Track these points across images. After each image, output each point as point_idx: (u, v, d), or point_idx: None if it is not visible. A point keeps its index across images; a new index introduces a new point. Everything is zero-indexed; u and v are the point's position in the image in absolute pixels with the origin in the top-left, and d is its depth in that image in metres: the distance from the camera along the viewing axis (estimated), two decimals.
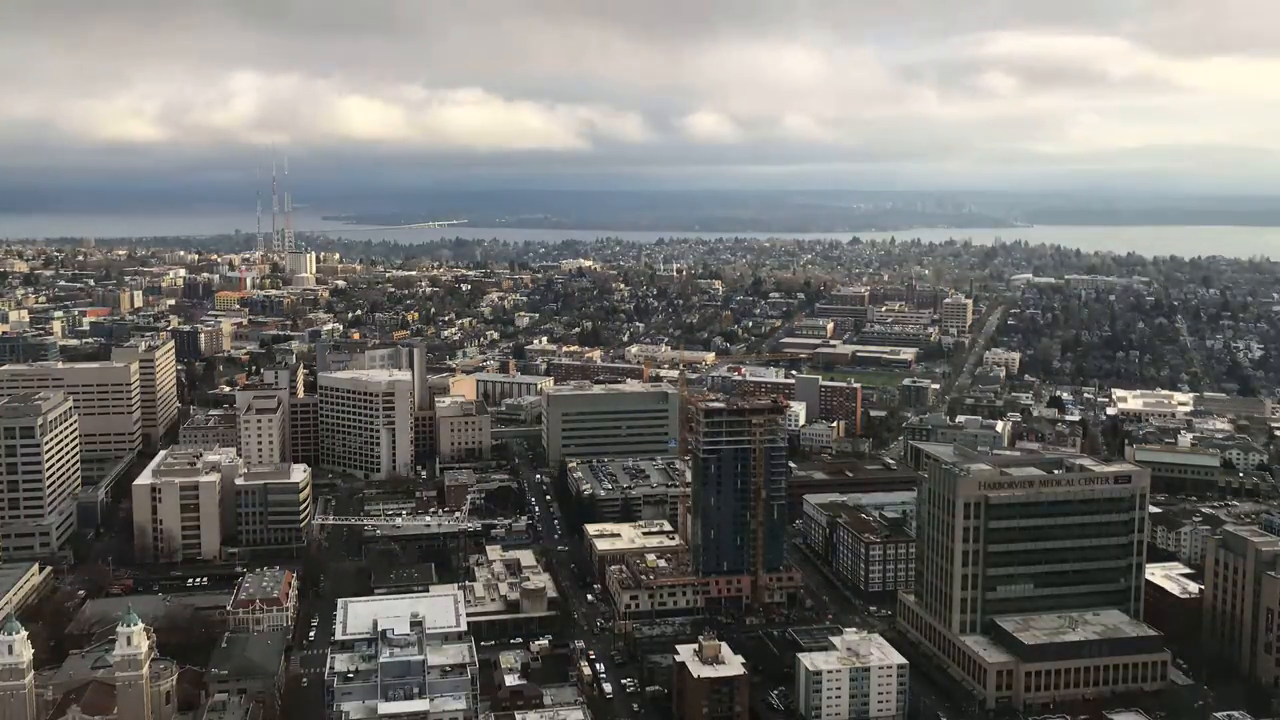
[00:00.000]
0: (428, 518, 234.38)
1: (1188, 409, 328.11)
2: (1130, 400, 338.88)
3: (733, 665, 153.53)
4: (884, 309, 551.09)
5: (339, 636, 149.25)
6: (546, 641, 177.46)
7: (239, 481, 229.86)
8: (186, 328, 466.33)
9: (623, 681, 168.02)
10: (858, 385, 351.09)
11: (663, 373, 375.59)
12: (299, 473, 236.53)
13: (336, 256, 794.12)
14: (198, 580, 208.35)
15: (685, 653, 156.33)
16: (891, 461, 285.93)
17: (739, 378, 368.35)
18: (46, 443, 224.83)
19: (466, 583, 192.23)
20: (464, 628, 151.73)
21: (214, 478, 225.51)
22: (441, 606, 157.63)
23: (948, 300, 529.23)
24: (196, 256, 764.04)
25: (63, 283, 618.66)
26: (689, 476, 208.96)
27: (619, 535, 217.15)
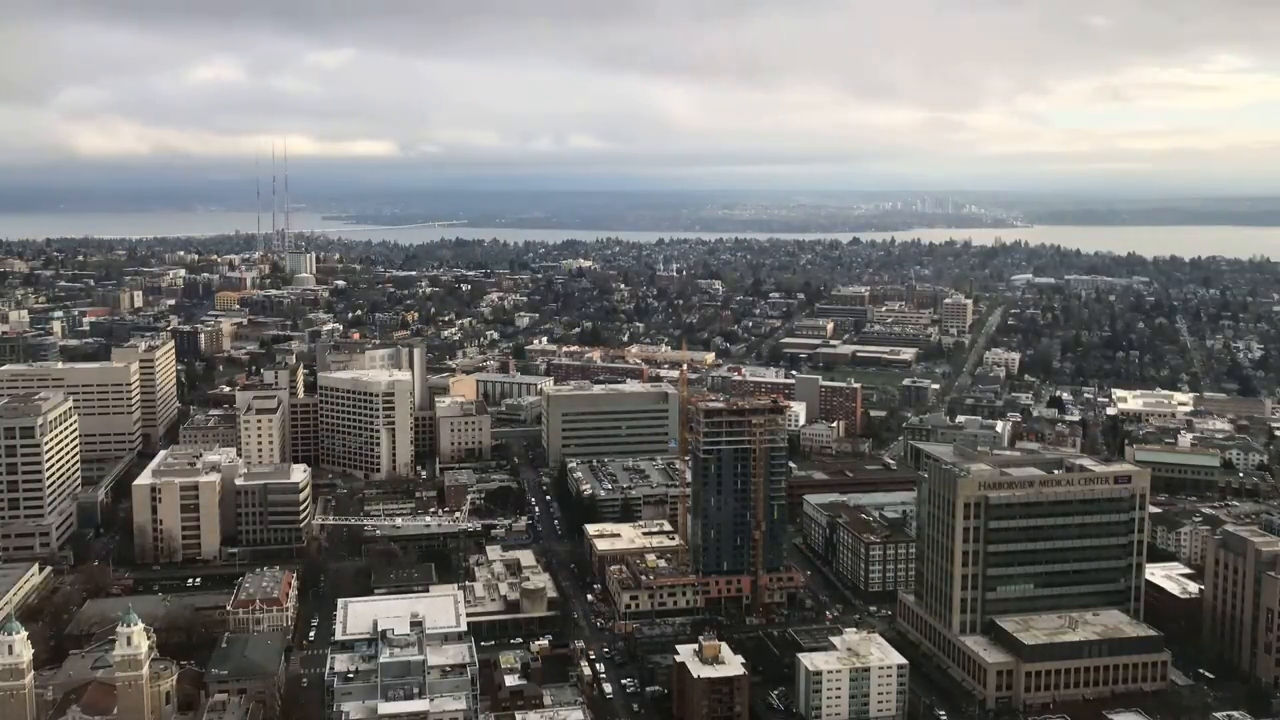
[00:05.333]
0: (428, 518, 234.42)
1: (1188, 409, 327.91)
2: (1130, 400, 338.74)
3: (733, 665, 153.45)
4: (884, 309, 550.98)
5: (339, 636, 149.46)
6: (546, 641, 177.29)
7: (239, 481, 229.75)
8: (186, 328, 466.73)
9: (623, 681, 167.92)
10: (858, 385, 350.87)
11: (663, 373, 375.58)
12: (299, 473, 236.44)
13: (336, 257, 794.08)
14: (197, 580, 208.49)
15: (685, 653, 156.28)
16: (891, 461, 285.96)
17: (739, 378, 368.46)
18: (46, 443, 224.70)
19: (466, 583, 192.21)
20: (464, 628, 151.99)
21: (214, 478, 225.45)
22: (441, 606, 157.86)
23: (948, 300, 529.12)
24: (196, 256, 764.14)
25: (63, 283, 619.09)
26: (689, 476, 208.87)
27: (619, 535, 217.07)
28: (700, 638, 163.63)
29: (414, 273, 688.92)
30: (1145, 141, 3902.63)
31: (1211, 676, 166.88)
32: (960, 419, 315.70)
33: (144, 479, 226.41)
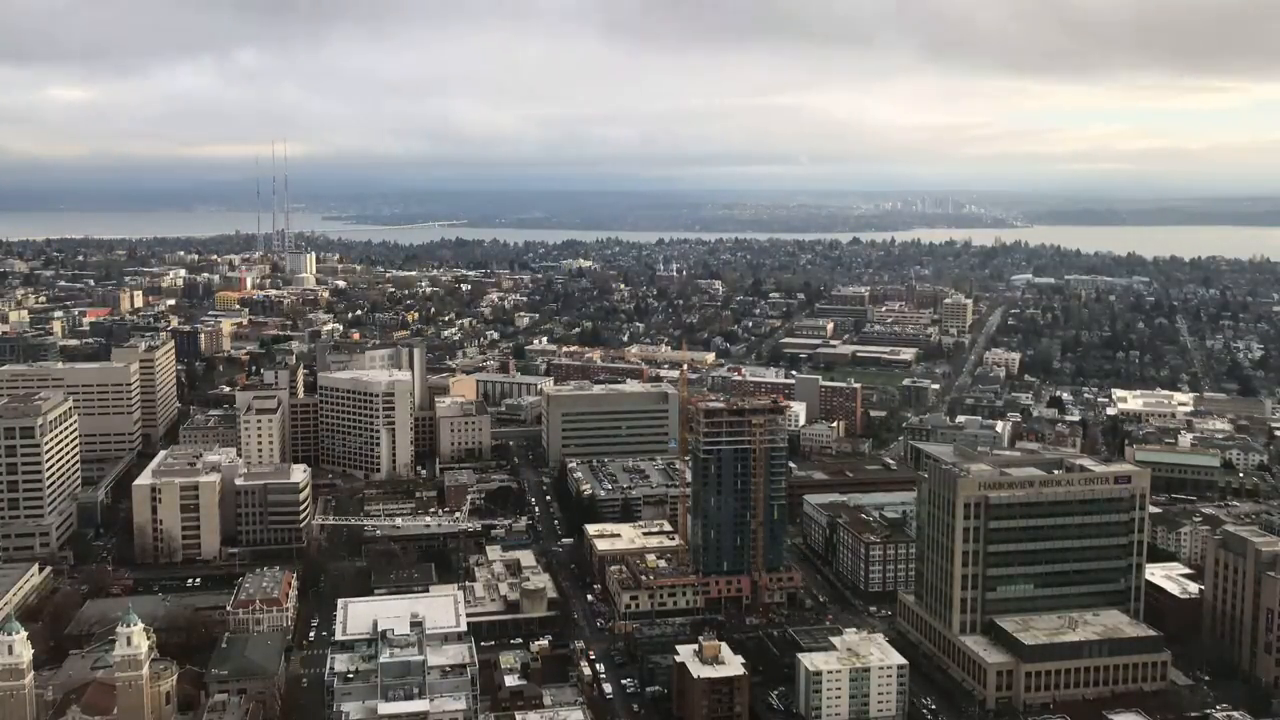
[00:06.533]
0: (428, 518, 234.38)
1: (1188, 409, 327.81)
2: (1130, 400, 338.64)
3: (733, 665, 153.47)
4: (884, 309, 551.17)
5: (339, 636, 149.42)
6: (546, 641, 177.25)
7: (239, 481, 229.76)
8: (186, 328, 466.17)
9: (623, 681, 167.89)
10: (858, 385, 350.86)
11: (663, 373, 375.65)
12: (299, 473, 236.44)
13: (336, 257, 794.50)
14: (197, 580, 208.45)
15: (685, 653, 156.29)
16: (891, 461, 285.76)
17: (739, 378, 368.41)
18: (46, 443, 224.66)
19: (466, 583, 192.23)
20: (464, 628, 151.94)
21: (214, 478, 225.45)
22: (441, 607, 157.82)
23: (948, 300, 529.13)
24: (196, 256, 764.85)
25: (63, 283, 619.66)
26: (689, 476, 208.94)
27: (619, 535, 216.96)
28: (700, 638, 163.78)
29: (414, 273, 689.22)
30: (1145, 141, 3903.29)
31: (1210, 676, 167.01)
32: (960, 419, 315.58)
33: (144, 479, 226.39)
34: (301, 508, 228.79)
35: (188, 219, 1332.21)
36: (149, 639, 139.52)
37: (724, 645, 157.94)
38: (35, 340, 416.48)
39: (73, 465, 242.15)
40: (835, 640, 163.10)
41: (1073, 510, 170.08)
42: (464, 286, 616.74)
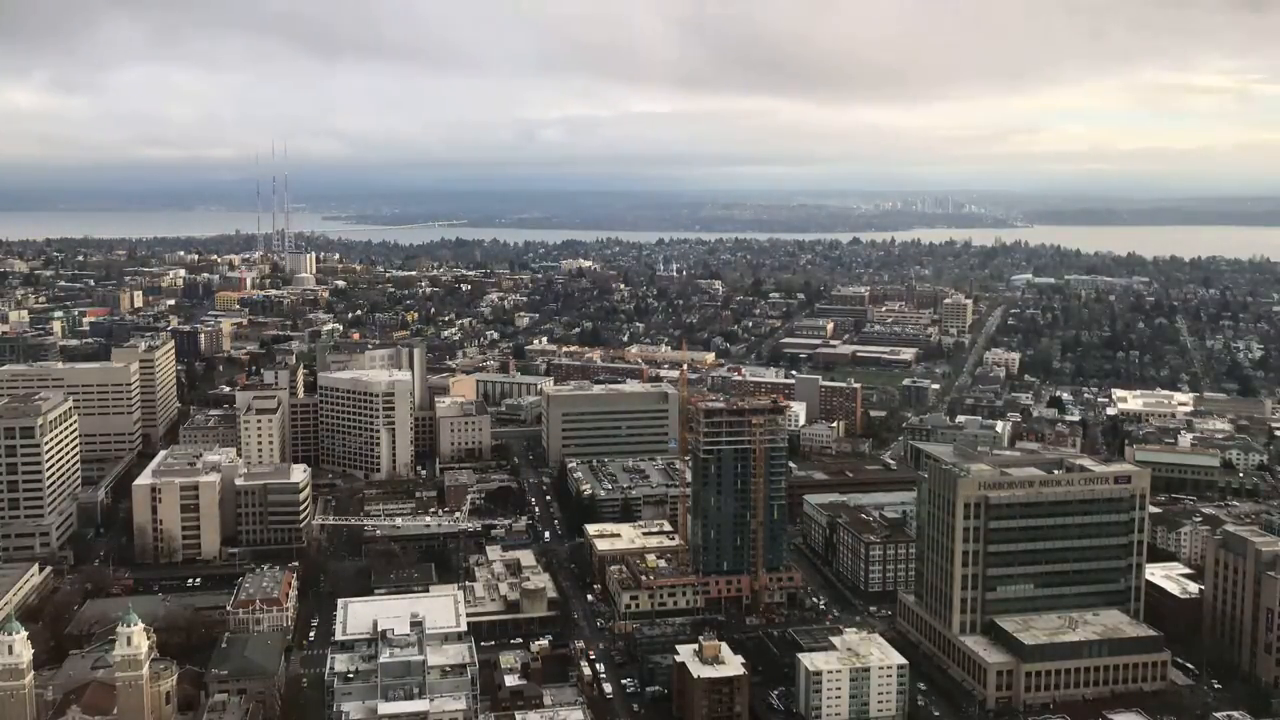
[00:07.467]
0: (428, 518, 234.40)
1: (1188, 409, 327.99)
2: (1130, 400, 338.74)
3: (733, 665, 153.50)
4: (884, 309, 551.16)
5: (339, 636, 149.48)
6: (546, 641, 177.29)
7: (239, 481, 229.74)
8: (186, 328, 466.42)
9: (623, 681, 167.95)
10: (858, 385, 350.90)
11: (663, 373, 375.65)
12: (299, 473, 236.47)
13: (336, 257, 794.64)
14: (197, 580, 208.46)
15: (685, 653, 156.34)
16: (891, 461, 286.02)
17: (739, 378, 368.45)
18: (46, 443, 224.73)
19: (466, 583, 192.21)
20: (464, 628, 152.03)
21: (214, 478, 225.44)
22: (441, 606, 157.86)
23: (948, 300, 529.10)
24: (196, 256, 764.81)
25: (63, 283, 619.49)
26: (689, 476, 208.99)
27: (619, 535, 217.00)
28: (700, 638, 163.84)
29: (414, 273, 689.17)
30: (1145, 141, 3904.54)
31: (1213, 676, 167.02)
32: (960, 419, 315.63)
33: (144, 479, 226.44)
34: (301, 508, 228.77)
35: (188, 219, 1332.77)
36: (149, 639, 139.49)
37: (724, 645, 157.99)
38: (35, 340, 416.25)
39: (73, 465, 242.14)
40: (835, 640, 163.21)
41: (1073, 510, 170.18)
42: (464, 286, 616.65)
